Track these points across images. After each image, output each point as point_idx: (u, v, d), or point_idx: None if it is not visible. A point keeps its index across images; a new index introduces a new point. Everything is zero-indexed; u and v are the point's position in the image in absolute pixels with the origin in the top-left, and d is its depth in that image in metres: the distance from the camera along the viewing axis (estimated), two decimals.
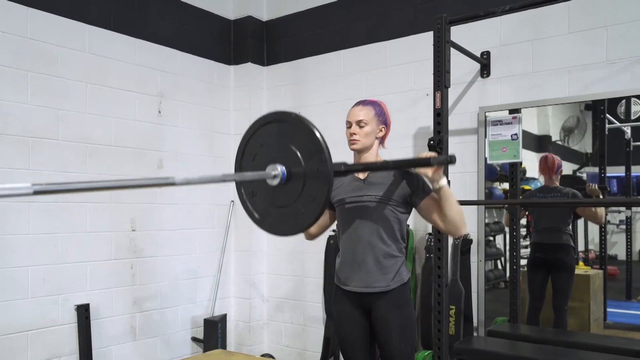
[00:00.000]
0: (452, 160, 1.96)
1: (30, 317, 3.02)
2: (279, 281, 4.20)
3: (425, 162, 2.01)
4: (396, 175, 2.27)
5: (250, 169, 1.73)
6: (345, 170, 2.08)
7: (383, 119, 2.35)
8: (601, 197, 3.06)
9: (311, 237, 2.48)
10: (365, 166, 2.19)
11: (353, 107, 2.37)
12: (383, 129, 2.36)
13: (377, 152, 2.37)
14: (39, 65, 3.06)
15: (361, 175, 2.34)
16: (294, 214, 1.64)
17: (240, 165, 1.77)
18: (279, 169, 1.56)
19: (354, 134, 2.30)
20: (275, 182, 1.57)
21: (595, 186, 3.07)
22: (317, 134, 1.51)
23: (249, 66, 4.20)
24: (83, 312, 3.21)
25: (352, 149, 2.34)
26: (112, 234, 3.42)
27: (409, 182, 2.23)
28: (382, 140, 2.39)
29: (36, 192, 0.94)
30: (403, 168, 2.19)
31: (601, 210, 3.14)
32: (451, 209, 2.11)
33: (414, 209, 2.30)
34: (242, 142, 1.75)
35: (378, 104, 2.37)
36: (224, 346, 3.87)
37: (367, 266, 2.25)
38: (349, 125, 2.34)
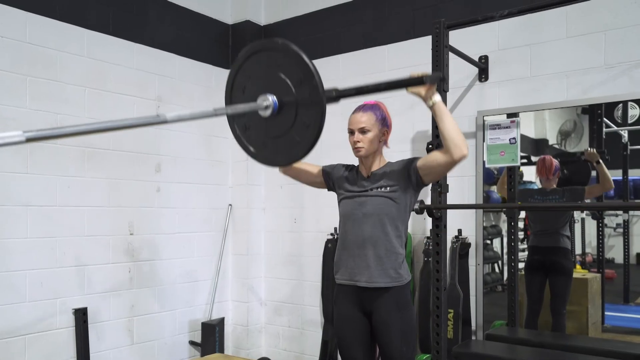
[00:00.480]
0: (444, 77, 1.94)
1: (27, 321, 3.00)
2: (277, 285, 4.19)
3: (418, 81, 2.01)
4: (395, 167, 2.33)
5: (241, 101, 1.67)
6: (337, 95, 2.00)
7: (384, 121, 2.37)
8: (600, 161, 3.01)
9: (286, 170, 2.53)
10: (357, 90, 2.12)
11: (354, 113, 2.38)
12: (386, 132, 2.38)
13: (382, 154, 2.42)
14: (37, 70, 3.06)
15: (364, 172, 2.39)
16: (288, 144, 1.59)
17: (230, 99, 1.72)
18: (270, 99, 1.51)
19: (358, 141, 2.32)
20: (267, 113, 1.52)
21: (594, 150, 3.05)
22: (307, 60, 1.46)
23: None
24: (81, 316, 3.20)
25: (357, 156, 2.38)
26: (110, 238, 3.41)
27: (403, 163, 2.30)
28: (385, 142, 2.42)
29: (29, 139, 0.92)
30: (397, 88, 2.14)
31: (606, 178, 3.05)
32: (448, 125, 2.11)
33: (414, 216, 2.31)
34: (230, 75, 1.69)
35: (378, 107, 2.38)
36: (221, 350, 3.87)
37: (368, 261, 2.27)
38: (351, 132, 2.36)
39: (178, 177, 3.85)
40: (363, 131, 2.31)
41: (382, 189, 2.29)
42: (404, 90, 3.47)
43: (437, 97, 2.11)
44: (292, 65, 1.51)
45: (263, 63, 1.60)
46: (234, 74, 1.71)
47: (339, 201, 2.43)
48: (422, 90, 2.10)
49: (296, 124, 1.54)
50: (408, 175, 2.27)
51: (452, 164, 2.14)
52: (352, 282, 2.32)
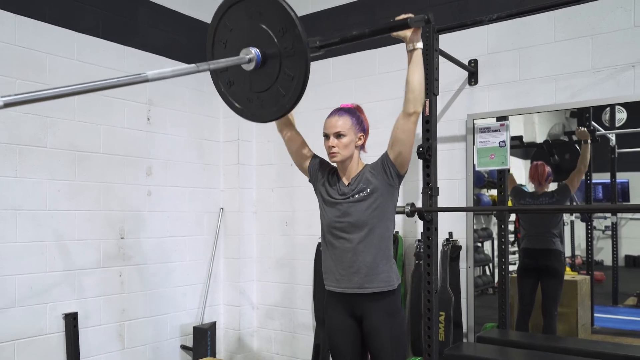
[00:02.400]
0: (430, 19, 1.89)
1: (17, 326, 2.98)
2: (269, 288, 4.19)
3: (402, 24, 1.96)
4: (372, 167, 2.29)
5: (223, 56, 1.61)
6: (321, 45, 1.94)
7: (361, 126, 2.32)
8: (589, 141, 3.03)
9: (282, 127, 2.41)
10: (342, 39, 2.06)
11: (329, 117, 2.32)
12: (362, 137, 2.33)
13: (359, 158, 2.36)
14: (27, 73, 3.05)
15: (344, 179, 2.33)
16: (274, 98, 1.54)
17: (212, 55, 1.66)
18: (253, 51, 1.47)
19: (333, 146, 2.25)
20: (251, 66, 1.48)
21: (585, 129, 3.06)
22: (288, 8, 1.41)
23: None
24: (71, 321, 3.18)
25: (332, 162, 2.32)
26: (100, 242, 3.39)
27: (379, 160, 2.27)
28: (362, 147, 2.37)
29: (7, 104, 0.89)
30: (381, 33, 2.09)
31: (583, 158, 3.10)
32: (417, 76, 2.10)
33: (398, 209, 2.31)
34: (211, 30, 1.62)
35: (354, 111, 2.33)
36: (213, 354, 3.85)
37: (357, 268, 2.23)
38: (326, 136, 2.30)
39: (169, 181, 3.85)
40: (338, 135, 2.25)
41: (364, 193, 2.24)
42: (392, 95, 3.53)
43: (419, 44, 2.08)
44: (273, 14, 1.45)
45: (243, 14, 1.54)
46: (214, 27, 1.65)
47: (323, 206, 2.37)
48: (407, 32, 2.06)
49: (280, 76, 1.49)
50: (384, 170, 2.23)
51: (407, 122, 2.14)
52: (341, 289, 2.29)
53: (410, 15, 2.00)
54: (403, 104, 2.17)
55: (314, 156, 2.45)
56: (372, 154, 2.44)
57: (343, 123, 2.26)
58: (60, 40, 3.21)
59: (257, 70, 1.51)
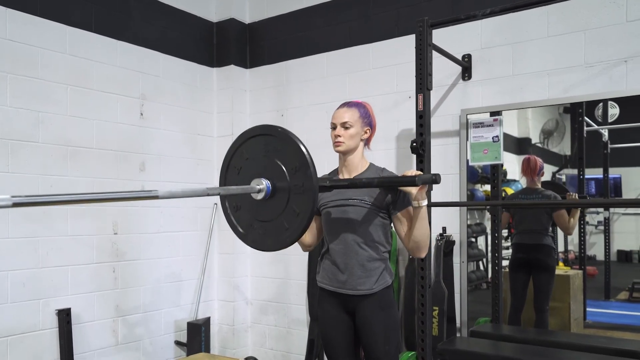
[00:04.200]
0: (436, 179, 1.97)
1: (10, 323, 2.97)
2: (263, 284, 4.19)
3: (410, 181, 2.02)
4: (379, 187, 2.25)
5: (235, 182, 1.71)
6: (331, 185, 2.05)
7: (368, 120, 2.34)
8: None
9: (307, 247, 2.48)
10: (351, 182, 2.17)
11: (338, 108, 2.36)
12: (368, 131, 2.35)
13: (363, 154, 2.36)
14: (18, 67, 3.02)
15: (346, 177, 2.34)
16: (277, 229, 1.62)
17: (225, 179, 1.75)
18: (264, 183, 1.55)
19: (339, 135, 2.28)
20: (260, 196, 1.55)
21: (576, 196, 3.12)
22: (303, 149, 1.50)
23: (232, 68, 4.19)
24: (64, 317, 3.17)
25: (336, 151, 2.33)
26: (93, 238, 3.38)
27: (391, 192, 2.24)
28: (367, 142, 2.38)
29: (15, 205, 0.93)
30: (389, 185, 2.18)
31: (574, 223, 3.21)
32: (422, 231, 2.15)
33: None
34: (228, 155, 1.73)
35: (363, 106, 2.36)
36: (207, 349, 3.85)
37: (352, 269, 2.25)
38: (333, 127, 2.33)
39: (163, 176, 3.83)
40: (345, 126, 2.28)
41: (364, 201, 2.25)
42: (386, 90, 3.53)
43: (424, 202, 2.12)
44: (289, 152, 1.55)
45: (261, 147, 1.64)
46: (231, 154, 1.76)
47: (321, 210, 2.37)
48: (413, 190, 2.09)
49: (287, 210, 1.58)
50: (390, 207, 2.27)
51: (408, 251, 2.26)
52: (333, 287, 2.31)
53: (419, 173, 2.07)
54: (407, 241, 2.23)
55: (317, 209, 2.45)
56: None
57: (351, 115, 2.30)
58: (52, 34, 3.19)
59: (265, 201, 1.58)
